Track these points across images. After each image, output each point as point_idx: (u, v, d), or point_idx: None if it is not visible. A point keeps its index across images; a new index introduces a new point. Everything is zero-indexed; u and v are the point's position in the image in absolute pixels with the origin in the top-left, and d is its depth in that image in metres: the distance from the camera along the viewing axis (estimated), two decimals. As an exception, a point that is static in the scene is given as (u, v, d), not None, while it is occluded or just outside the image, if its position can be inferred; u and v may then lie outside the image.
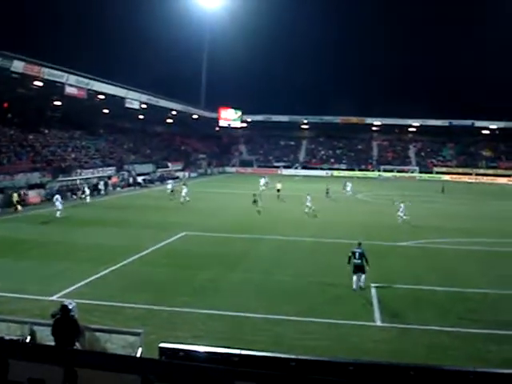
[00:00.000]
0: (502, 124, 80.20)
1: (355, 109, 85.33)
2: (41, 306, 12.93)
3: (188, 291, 15.01)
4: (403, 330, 12.38)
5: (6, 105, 47.97)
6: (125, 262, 18.35)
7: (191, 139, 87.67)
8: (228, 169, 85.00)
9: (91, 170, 47.32)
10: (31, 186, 37.04)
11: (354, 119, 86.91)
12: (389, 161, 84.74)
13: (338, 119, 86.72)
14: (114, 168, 51.71)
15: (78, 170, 45.30)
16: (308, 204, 32.23)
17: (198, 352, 6.77)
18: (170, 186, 42.35)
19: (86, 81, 46.42)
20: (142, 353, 8.15)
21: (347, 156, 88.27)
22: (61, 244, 21.62)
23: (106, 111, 58.89)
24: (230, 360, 6.34)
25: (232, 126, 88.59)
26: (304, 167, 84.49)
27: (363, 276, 15.39)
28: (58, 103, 51.19)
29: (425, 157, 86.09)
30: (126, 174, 53.65)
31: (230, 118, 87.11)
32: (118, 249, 20.54)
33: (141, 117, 67.28)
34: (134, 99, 56.74)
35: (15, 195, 32.11)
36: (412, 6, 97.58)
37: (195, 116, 78.26)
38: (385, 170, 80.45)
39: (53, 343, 7.96)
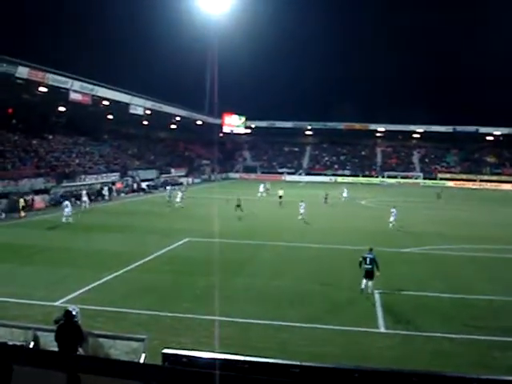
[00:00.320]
0: (506, 130, 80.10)
1: (359, 115, 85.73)
2: (44, 311, 12.94)
3: (191, 297, 14.99)
4: (407, 336, 12.33)
5: (10, 110, 48.21)
6: (128, 268, 18.37)
7: (195, 145, 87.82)
8: (232, 175, 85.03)
9: (95, 176, 47.42)
10: (36, 192, 37.18)
11: (357, 125, 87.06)
12: (393, 167, 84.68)
13: (341, 125, 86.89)
14: (118, 174, 51.86)
15: (82, 176, 45.44)
16: (301, 211, 32.41)
17: (201, 358, 6.72)
18: (168, 193, 42.48)
19: (91, 87, 46.70)
20: (145, 359, 8.13)
21: (351, 162, 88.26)
22: (65, 249, 21.66)
23: (110, 117, 59.16)
24: (234, 366, 6.31)
25: (236, 132, 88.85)
26: (308, 173, 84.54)
27: (370, 283, 15.36)
28: (62, 109, 51.46)
29: (429, 163, 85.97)
30: (130, 179, 53.76)
31: (233, 124, 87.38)
32: (122, 255, 20.57)
33: (145, 123, 67.51)
34: (139, 105, 57.01)
35: (21, 201, 32.19)
36: (415, 13, 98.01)
37: (199, 122, 78.45)
38: (389, 176, 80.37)
39: (56, 349, 7.95)
